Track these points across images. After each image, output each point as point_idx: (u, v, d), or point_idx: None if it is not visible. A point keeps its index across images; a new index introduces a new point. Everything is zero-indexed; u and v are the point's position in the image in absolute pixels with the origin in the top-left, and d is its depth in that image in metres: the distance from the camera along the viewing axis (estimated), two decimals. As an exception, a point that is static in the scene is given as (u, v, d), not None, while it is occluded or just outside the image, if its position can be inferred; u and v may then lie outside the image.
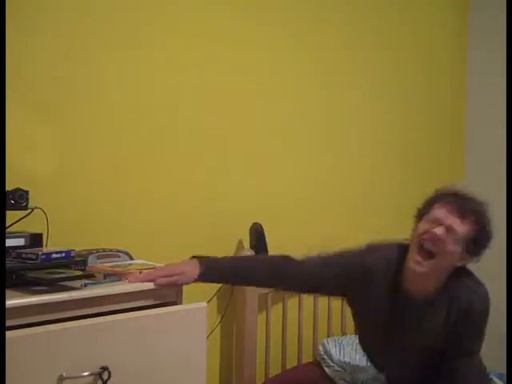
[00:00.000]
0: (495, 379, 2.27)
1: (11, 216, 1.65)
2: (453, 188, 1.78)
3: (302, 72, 2.68)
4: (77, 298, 1.38)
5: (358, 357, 2.36)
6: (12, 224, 1.66)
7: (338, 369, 2.37)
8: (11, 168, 1.65)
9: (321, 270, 1.82)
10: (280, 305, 2.53)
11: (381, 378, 2.04)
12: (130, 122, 2.08)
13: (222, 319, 2.38)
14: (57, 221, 1.76)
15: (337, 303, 2.74)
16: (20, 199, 1.61)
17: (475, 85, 3.58)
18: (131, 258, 1.77)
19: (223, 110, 2.37)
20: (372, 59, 3.01)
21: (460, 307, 1.72)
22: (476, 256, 1.73)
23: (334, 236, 2.59)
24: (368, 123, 3.00)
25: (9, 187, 1.59)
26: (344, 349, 2.43)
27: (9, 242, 1.50)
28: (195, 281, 1.67)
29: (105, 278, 1.50)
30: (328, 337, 2.64)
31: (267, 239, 2.34)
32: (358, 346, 2.31)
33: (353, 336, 2.58)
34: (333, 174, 2.83)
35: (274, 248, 2.32)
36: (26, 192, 1.63)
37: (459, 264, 1.73)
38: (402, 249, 1.78)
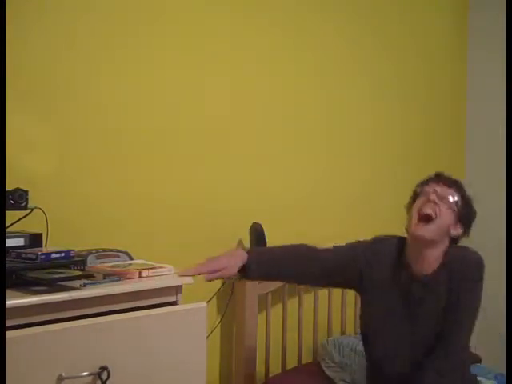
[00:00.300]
0: (483, 381, 2.24)
1: (11, 216, 1.65)
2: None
3: (302, 72, 2.68)
4: (76, 297, 1.38)
5: (357, 357, 2.36)
6: (12, 224, 1.66)
7: (338, 369, 2.37)
8: (11, 168, 1.65)
9: (333, 255, 1.99)
10: (280, 305, 2.53)
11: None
12: (130, 121, 2.08)
13: (221, 319, 2.38)
14: (56, 221, 1.76)
15: (337, 303, 2.74)
16: (20, 199, 1.61)
17: (475, 85, 3.58)
18: (131, 258, 1.77)
19: (223, 110, 2.37)
20: (372, 59, 3.01)
21: (458, 269, 1.86)
22: (466, 225, 1.91)
23: (333, 236, 2.59)
24: (368, 123, 3.00)
25: (8, 187, 1.59)
26: (344, 349, 2.43)
27: (8, 242, 1.50)
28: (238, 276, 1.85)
29: (104, 278, 1.50)
30: (328, 337, 2.64)
31: (267, 239, 2.34)
32: (358, 347, 2.31)
33: (352, 336, 2.58)
34: (333, 173, 2.83)
35: (274, 248, 2.31)
36: (26, 192, 1.63)
37: (454, 233, 1.89)
38: (404, 240, 1.96)
